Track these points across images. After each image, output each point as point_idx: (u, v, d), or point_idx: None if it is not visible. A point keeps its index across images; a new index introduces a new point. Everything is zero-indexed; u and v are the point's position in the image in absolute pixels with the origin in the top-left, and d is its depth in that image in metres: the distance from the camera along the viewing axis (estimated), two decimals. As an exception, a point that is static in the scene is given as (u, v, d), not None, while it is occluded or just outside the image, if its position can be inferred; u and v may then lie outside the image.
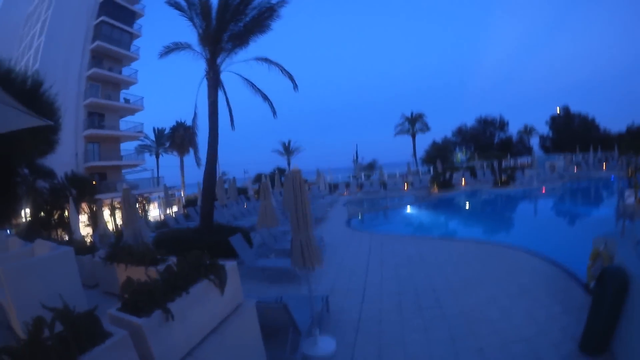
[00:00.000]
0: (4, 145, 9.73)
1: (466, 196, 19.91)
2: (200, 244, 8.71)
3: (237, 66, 11.73)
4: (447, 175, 22.86)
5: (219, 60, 10.63)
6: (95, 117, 29.70)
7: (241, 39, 10.76)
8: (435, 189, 21.34)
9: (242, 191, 23.02)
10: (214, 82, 10.47)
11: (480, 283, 5.93)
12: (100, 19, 29.73)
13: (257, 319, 3.41)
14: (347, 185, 26.57)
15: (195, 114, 11.44)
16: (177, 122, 34.75)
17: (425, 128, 38.43)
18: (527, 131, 46.38)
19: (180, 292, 2.71)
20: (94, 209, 14.94)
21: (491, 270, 6.55)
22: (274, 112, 12.33)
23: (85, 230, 14.54)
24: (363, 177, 28.51)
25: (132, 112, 33.80)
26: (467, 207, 18.03)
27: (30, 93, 11.73)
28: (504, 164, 24.69)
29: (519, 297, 5.18)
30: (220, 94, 10.87)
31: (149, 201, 22.42)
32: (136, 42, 33.67)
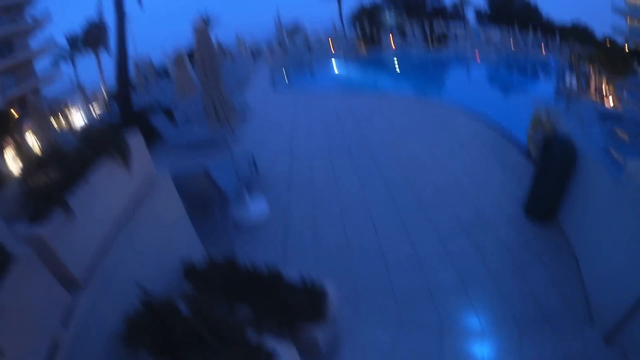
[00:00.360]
0: None
1: (395, 56, 19.05)
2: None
3: None
4: (375, 34, 21.96)
5: None
6: (5, 47, 25.76)
7: None
8: (363, 49, 20.45)
9: (165, 73, 20.89)
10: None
11: (416, 137, 5.88)
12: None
13: (177, 192, 3.05)
14: (271, 51, 24.61)
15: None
16: (87, 21, 31.43)
17: None
18: (462, 2, 45.15)
19: (78, 177, 2.14)
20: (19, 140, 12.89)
21: (426, 125, 6.47)
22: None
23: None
24: (287, 42, 26.53)
25: (41, 26, 29.04)
26: (397, 68, 17.40)
27: None
28: (436, 29, 24.04)
29: (456, 152, 5.13)
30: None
31: (68, 108, 20.58)
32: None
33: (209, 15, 37.77)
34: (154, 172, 2.94)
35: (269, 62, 21.21)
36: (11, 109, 21.47)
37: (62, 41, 33.67)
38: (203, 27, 3.53)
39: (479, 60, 17.46)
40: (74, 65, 34.94)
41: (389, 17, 33.21)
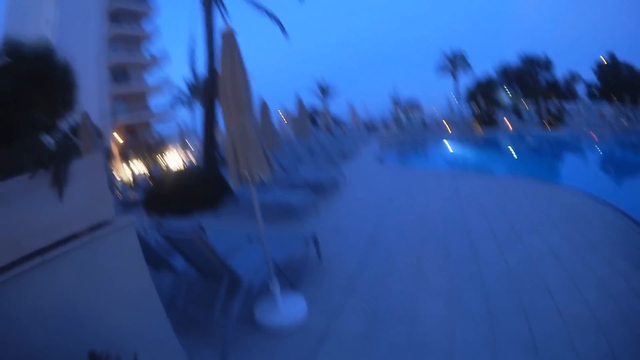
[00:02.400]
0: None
1: (511, 137, 18.31)
2: (194, 182, 7.87)
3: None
4: (491, 113, 21.82)
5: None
6: (120, 75, 29.88)
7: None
8: (478, 128, 20.19)
9: None
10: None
11: (535, 231, 4.22)
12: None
13: (140, 251, 2.13)
14: (386, 125, 25.55)
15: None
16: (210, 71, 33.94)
17: (466, 65, 34.77)
18: (573, 78, 42.03)
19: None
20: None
21: (546, 214, 4.79)
22: (284, 32, 10.65)
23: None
24: (403, 117, 27.08)
25: (157, 64, 33.37)
26: (513, 148, 16.45)
27: (43, 60, 10.63)
28: (550, 107, 22.34)
29: (588, 258, 3.37)
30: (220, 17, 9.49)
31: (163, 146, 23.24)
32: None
33: (327, 84, 40.09)
34: (111, 212, 2.08)
35: (381, 137, 21.90)
36: (116, 133, 24.59)
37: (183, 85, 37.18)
38: (230, 34, 2.47)
39: (596, 139, 16.14)
40: (189, 110, 36.34)
41: (504, 95, 32.61)
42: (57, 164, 1.78)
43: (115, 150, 23.02)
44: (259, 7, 10.05)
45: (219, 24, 9.28)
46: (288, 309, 2.87)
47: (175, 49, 33.85)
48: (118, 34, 29.90)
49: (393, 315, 2.79)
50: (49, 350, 1.65)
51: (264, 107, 7.45)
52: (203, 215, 6.81)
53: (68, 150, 1.96)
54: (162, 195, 7.41)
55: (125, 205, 9.54)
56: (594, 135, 16.67)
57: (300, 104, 10.48)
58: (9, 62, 9.58)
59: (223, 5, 10.19)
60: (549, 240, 3.83)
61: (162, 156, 22.07)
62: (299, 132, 10.87)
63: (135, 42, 32.07)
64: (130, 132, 29.91)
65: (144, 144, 25.11)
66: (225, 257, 2.65)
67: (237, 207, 6.75)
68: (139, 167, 20.92)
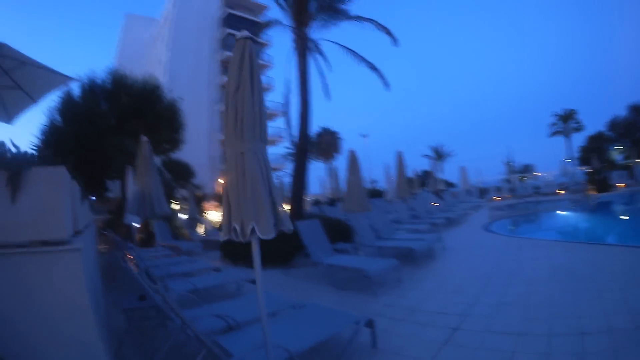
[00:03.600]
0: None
1: (630, 198, 16.13)
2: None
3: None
4: (604, 174, 19.89)
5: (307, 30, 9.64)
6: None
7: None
8: (591, 191, 18.67)
9: (377, 193, 20.82)
10: (302, 47, 9.41)
11: None
12: (227, 31, 32.60)
13: (83, 279, 2.04)
14: (498, 189, 24.09)
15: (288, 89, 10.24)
16: (322, 127, 35.53)
17: (580, 127, 32.73)
18: None
19: None
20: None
21: None
22: (386, 83, 10.81)
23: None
24: (516, 181, 25.13)
25: (270, 117, 35.03)
26: (632, 212, 13.72)
27: (149, 95, 12.44)
28: None
29: None
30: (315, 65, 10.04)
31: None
32: (269, 52, 35.49)
33: (441, 147, 40.07)
34: (64, 233, 2.07)
35: (492, 201, 20.98)
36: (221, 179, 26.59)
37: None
38: (245, 39, 2.05)
39: None
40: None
41: (614, 153, 29.27)
42: (15, 167, 1.79)
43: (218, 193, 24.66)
44: (364, 60, 10.28)
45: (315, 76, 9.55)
46: None
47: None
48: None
49: None
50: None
51: (353, 160, 6.90)
52: (275, 270, 6.56)
53: (27, 159, 1.97)
54: (237, 243, 7.32)
55: (207, 244, 9.91)
56: None
57: (399, 161, 9.89)
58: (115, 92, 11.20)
59: (321, 53, 10.67)
60: None
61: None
62: (399, 193, 10.27)
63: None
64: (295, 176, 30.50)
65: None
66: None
67: (316, 267, 6.14)
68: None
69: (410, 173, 21.04)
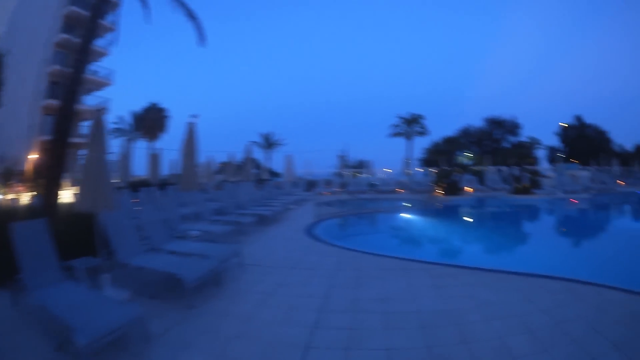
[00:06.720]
0: None
1: (479, 204, 15.87)
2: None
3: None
4: (453, 177, 18.40)
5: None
6: (59, 87, 25.66)
7: None
8: (439, 193, 17.17)
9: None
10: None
11: None
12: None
13: None
14: (328, 182, 21.89)
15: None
16: (150, 103, 32.13)
17: (424, 131, 35.34)
18: (532, 143, 43.58)
19: None
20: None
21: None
22: (202, 38, 9.24)
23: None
24: (349, 176, 23.98)
25: (99, 85, 29.47)
26: (486, 219, 13.57)
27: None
28: (516, 172, 20.94)
29: None
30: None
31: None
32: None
33: (272, 136, 39.11)
34: None
35: (323, 195, 18.76)
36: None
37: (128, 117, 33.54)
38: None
39: (576, 202, 15.66)
40: (128, 143, 33.58)
41: (464, 158, 30.66)
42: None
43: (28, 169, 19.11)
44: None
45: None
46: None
47: (122, 71, 30.08)
48: (69, 42, 25.42)
49: None
50: None
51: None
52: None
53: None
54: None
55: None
56: (573, 200, 15.80)
57: (189, 137, 6.87)
58: None
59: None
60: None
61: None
62: (184, 184, 7.09)
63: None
64: (47, 152, 25.13)
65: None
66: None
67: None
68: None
69: (239, 160, 18.80)
